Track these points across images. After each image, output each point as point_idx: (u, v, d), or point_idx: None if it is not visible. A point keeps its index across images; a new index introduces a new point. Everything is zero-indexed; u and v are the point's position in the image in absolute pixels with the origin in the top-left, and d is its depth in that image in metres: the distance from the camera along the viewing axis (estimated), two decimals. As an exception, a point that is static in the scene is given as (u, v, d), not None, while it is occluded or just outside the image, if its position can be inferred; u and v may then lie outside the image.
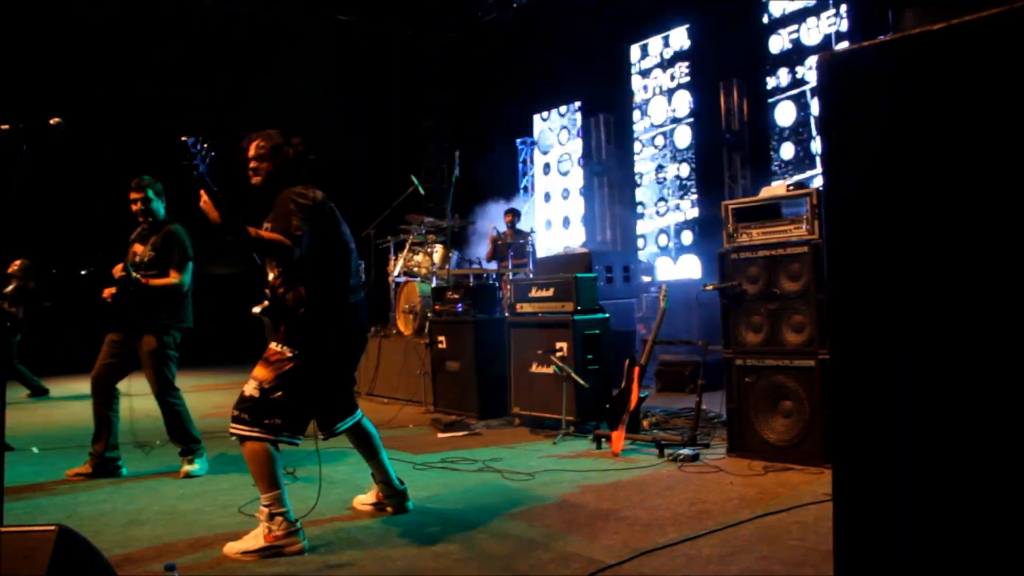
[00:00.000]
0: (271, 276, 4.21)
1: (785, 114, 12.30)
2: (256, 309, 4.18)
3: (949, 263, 1.87)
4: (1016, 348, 1.77)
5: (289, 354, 4.05)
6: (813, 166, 11.82)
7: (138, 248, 5.90)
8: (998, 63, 1.76)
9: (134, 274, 5.63)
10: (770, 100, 12.50)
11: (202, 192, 3.84)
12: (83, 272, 14.43)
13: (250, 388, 4.04)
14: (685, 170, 14.05)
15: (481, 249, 12.74)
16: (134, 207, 5.90)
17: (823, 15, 11.81)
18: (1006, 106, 1.76)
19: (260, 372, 4.06)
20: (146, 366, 5.80)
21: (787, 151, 12.19)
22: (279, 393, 4.01)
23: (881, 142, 1.96)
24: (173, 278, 5.80)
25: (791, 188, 5.69)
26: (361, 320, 4.37)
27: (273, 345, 4.11)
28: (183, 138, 3.72)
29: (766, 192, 5.89)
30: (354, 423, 4.52)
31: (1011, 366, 1.78)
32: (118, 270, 5.69)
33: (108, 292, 5.79)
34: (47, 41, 14.43)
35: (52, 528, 2.53)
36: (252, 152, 4.27)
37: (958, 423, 1.88)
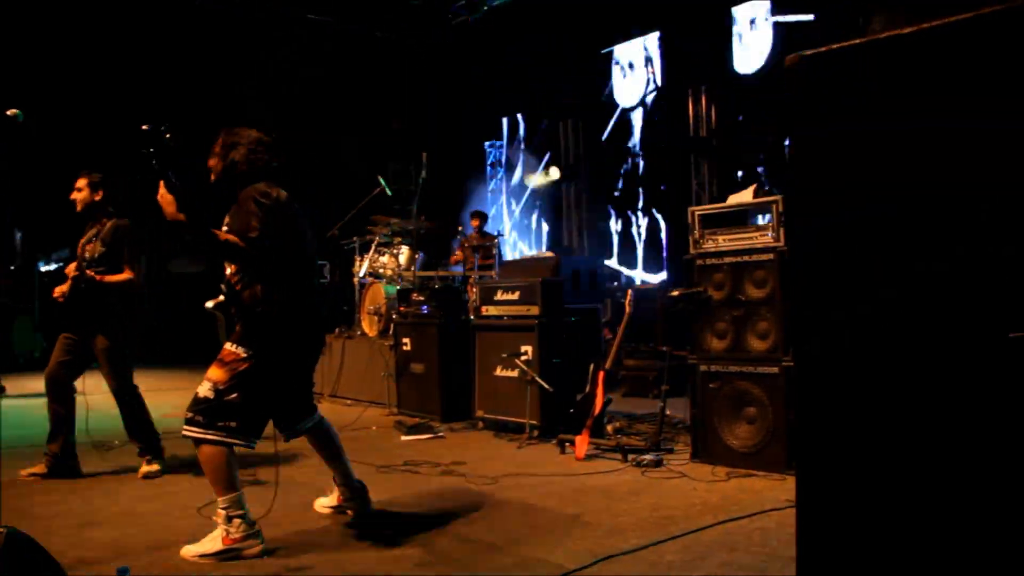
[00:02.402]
0: (228, 272, 4.14)
1: (755, 121, 12.38)
2: (209, 304, 4.09)
3: (914, 271, 1.87)
4: (977, 356, 1.78)
5: (244, 354, 3.98)
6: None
7: (87, 245, 5.80)
8: (965, 67, 1.76)
9: (88, 272, 5.54)
10: (740, 106, 12.58)
11: (160, 184, 3.77)
12: (47, 269, 14.26)
13: (204, 389, 3.97)
14: (653, 176, 14.10)
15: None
16: (77, 204, 5.81)
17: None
18: (974, 109, 1.76)
19: (214, 373, 3.99)
20: (102, 364, 5.71)
21: (755, 158, 12.26)
22: (234, 395, 3.94)
23: (848, 145, 1.96)
24: (127, 274, 5.70)
25: (758, 195, 5.71)
26: (319, 321, 4.31)
27: (228, 345, 4.04)
28: (143, 127, 3.65)
29: (733, 199, 5.92)
30: (313, 425, 4.47)
31: (974, 375, 1.78)
32: (72, 269, 5.60)
33: (59, 291, 5.68)
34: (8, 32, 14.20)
35: None
36: (214, 149, 4.23)
37: (919, 430, 1.88)
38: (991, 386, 1.74)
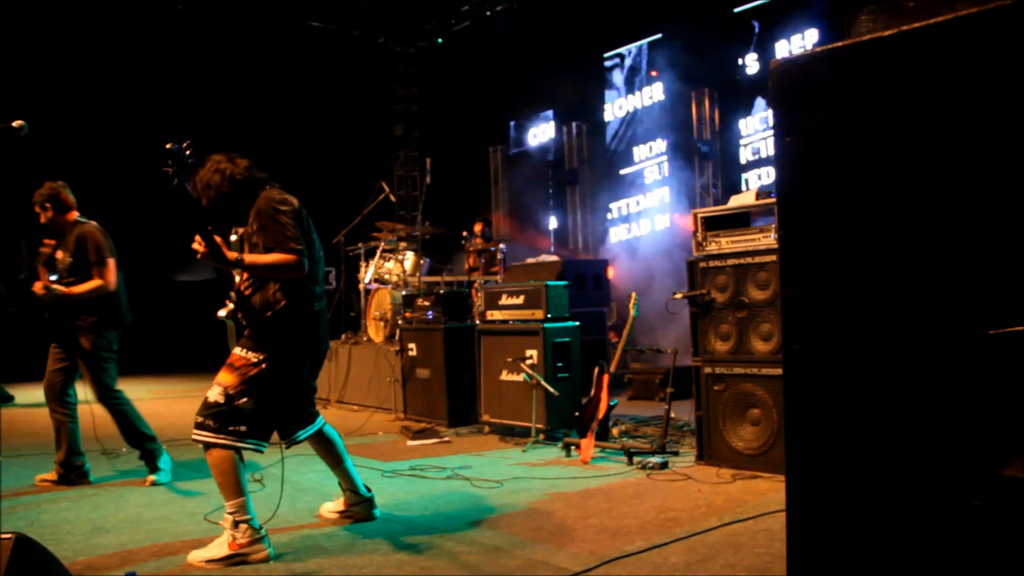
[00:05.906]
0: (238, 278, 4.18)
1: (757, 124, 12.40)
2: (221, 312, 4.14)
3: (900, 270, 1.88)
4: (958, 353, 1.80)
5: (254, 359, 4.02)
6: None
7: (58, 255, 5.77)
8: (945, 68, 1.78)
9: (55, 288, 5.53)
10: (742, 109, 12.59)
11: (196, 236, 3.85)
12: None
13: (215, 394, 4.00)
14: (657, 178, 14.10)
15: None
16: (40, 219, 5.80)
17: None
18: (953, 110, 1.78)
19: (225, 378, 4.02)
20: (83, 372, 5.71)
21: (758, 160, 12.28)
22: (244, 399, 3.97)
23: (833, 147, 1.98)
24: (95, 282, 5.65)
25: (760, 197, 5.72)
26: (324, 327, 4.33)
27: (237, 350, 4.08)
28: (167, 145, 3.69)
29: (735, 201, 5.92)
30: (316, 431, 4.49)
31: (955, 371, 1.80)
32: (39, 287, 5.57)
33: (38, 286, 5.62)
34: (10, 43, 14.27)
35: (9, 536, 2.49)
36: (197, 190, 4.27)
37: (902, 428, 1.89)
38: (972, 382, 1.76)
